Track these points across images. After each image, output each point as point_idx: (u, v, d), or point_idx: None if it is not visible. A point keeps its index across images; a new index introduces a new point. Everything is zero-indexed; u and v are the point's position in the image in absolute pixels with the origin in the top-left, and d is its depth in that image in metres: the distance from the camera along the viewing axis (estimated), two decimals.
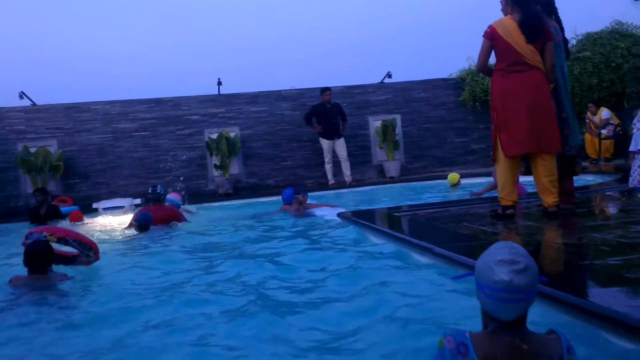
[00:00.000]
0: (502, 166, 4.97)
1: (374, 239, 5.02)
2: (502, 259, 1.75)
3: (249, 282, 3.79)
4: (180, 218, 7.47)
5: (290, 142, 13.20)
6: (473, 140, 13.85)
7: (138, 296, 3.57)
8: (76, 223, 8.54)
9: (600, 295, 2.45)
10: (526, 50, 4.80)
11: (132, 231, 6.86)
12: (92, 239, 4.53)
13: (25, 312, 3.25)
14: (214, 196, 12.04)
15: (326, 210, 7.61)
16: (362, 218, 5.81)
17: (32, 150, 11.62)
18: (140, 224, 6.55)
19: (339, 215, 6.46)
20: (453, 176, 10.21)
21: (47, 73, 15.51)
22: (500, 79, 4.97)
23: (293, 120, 13.21)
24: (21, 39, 16.85)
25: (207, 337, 2.62)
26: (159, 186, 7.62)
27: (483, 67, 5.14)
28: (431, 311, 2.76)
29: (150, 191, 7.50)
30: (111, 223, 8.59)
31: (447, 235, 4.41)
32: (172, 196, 8.15)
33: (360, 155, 13.27)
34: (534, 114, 4.77)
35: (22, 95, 12.16)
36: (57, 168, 11.62)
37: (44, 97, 12.43)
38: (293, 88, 13.52)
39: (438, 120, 13.86)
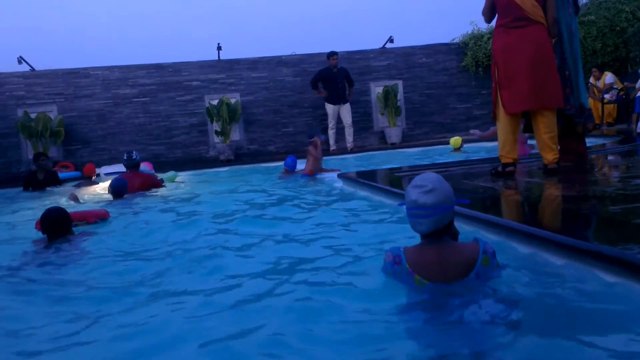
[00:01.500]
0: (502, 123, 4.95)
1: (374, 197, 5.04)
2: (415, 184, 2.22)
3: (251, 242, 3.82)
4: (159, 184, 7.48)
5: (292, 108, 13.13)
6: (475, 106, 13.75)
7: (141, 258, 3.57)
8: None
9: (597, 238, 2.48)
10: (528, 4, 4.74)
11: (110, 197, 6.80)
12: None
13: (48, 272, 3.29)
14: (215, 162, 12.02)
15: (330, 174, 7.57)
16: (364, 178, 5.82)
17: (33, 116, 11.58)
18: (115, 190, 6.34)
19: (339, 176, 6.48)
20: (455, 140, 10.17)
21: (45, 38, 15.35)
22: (502, 34, 4.92)
23: (294, 87, 13.11)
24: (18, 4, 16.64)
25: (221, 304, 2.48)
26: (134, 152, 7.48)
27: (490, 20, 5.13)
28: None
29: (125, 157, 7.34)
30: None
31: None
32: (143, 166, 8.13)
33: (361, 121, 13.21)
34: (535, 69, 4.72)
35: (20, 60, 12.06)
36: (57, 134, 11.60)
37: (43, 62, 12.36)
38: (294, 54, 13.37)
39: (440, 85, 13.74)
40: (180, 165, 11.76)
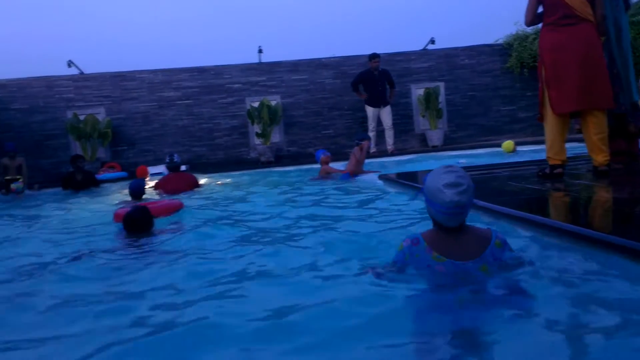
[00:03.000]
0: (550, 124, 4.80)
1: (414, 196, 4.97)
2: (449, 182, 2.20)
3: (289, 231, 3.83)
4: (199, 185, 7.85)
5: (332, 111, 13.14)
6: (520, 109, 13.42)
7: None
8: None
9: None
10: (576, 1, 4.58)
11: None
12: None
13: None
14: (256, 164, 12.16)
15: (369, 175, 7.58)
16: (404, 179, 5.75)
17: (81, 117, 11.99)
18: (133, 192, 6.35)
19: (380, 177, 6.43)
20: (508, 143, 9.88)
21: (93, 42, 15.89)
22: (550, 33, 4.77)
23: (334, 89, 13.11)
24: (68, 10, 17.28)
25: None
26: (175, 155, 7.83)
27: (531, 23, 4.95)
28: None
29: (167, 160, 7.68)
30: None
31: (491, 191, 4.32)
32: (159, 169, 8.33)
33: (402, 124, 13.08)
34: (585, 68, 4.56)
35: (70, 63, 12.50)
36: (105, 135, 11.97)
37: (91, 66, 12.77)
38: (334, 56, 13.38)
39: (483, 87, 13.48)
40: (222, 166, 11.96)
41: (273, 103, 12.63)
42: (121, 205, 5.32)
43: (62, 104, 12.40)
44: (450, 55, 13.51)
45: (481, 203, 3.57)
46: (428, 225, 2.59)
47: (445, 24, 16.24)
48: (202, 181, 8.96)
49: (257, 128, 12.52)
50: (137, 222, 3.93)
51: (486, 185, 4.77)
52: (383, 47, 13.15)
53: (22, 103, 12.24)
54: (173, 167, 7.73)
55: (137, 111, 12.67)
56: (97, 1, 17.13)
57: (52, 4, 16.47)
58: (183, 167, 10.47)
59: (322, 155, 8.17)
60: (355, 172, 7.62)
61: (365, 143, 7.75)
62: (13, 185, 9.25)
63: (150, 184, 7.97)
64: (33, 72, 12.43)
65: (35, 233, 4.91)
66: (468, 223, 2.38)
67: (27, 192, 9.43)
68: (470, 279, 2.24)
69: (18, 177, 9.74)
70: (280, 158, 12.54)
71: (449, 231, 2.31)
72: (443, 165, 2.31)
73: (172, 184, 7.44)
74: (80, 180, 9.18)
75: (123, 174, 10.92)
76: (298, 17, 17.81)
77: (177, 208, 4.98)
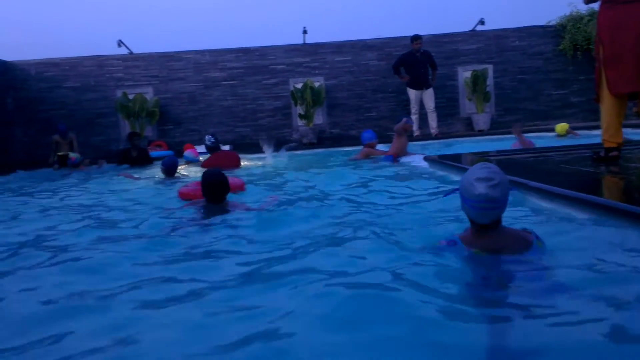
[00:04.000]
0: (606, 105, 4.59)
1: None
2: (481, 177, 2.18)
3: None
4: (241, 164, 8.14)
5: (375, 93, 13.00)
6: (572, 93, 12.92)
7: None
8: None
9: None
10: None
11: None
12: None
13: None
14: (298, 145, 12.18)
15: (413, 157, 7.50)
16: (450, 161, 5.65)
17: (130, 96, 12.29)
18: (167, 168, 6.77)
19: (426, 158, 6.33)
20: (562, 126, 9.55)
21: (143, 23, 16.18)
22: (608, 10, 4.54)
23: (378, 71, 12.95)
24: None
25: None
26: (211, 135, 8.15)
27: (589, 1, 4.74)
28: None
29: (213, 140, 7.88)
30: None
31: (543, 173, 4.18)
32: (188, 152, 8.45)
33: (447, 107, 12.82)
34: None
35: (120, 43, 12.78)
36: (153, 114, 12.24)
37: (140, 45, 13.02)
38: (379, 37, 13.19)
39: (534, 70, 13.03)
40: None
41: (316, 84, 12.59)
42: (185, 184, 5.26)
43: (112, 83, 12.73)
44: (499, 37, 13.10)
45: (533, 184, 3.46)
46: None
47: (495, 4, 15.71)
48: (248, 162, 9.10)
49: (300, 109, 12.52)
50: (216, 186, 3.88)
51: (538, 167, 4.63)
52: (429, 28, 12.90)
53: (74, 81, 12.64)
54: (212, 148, 7.92)
55: (184, 91, 12.87)
56: None
57: None
58: (227, 147, 10.64)
59: (371, 137, 8.15)
60: (398, 154, 7.55)
61: (408, 124, 7.65)
62: (72, 155, 9.57)
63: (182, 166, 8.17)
64: (84, 51, 12.81)
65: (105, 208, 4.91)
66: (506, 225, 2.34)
67: (93, 167, 9.73)
68: (516, 274, 2.21)
69: (70, 152, 10.09)
70: (322, 140, 12.53)
71: (486, 230, 2.27)
72: (479, 163, 2.32)
73: (218, 162, 7.64)
74: (135, 157, 9.47)
75: (170, 152, 11.16)
76: None
77: (240, 188, 4.86)
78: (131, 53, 12.95)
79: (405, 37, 12.47)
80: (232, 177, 4.85)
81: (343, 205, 4.27)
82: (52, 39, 16.30)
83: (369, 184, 5.48)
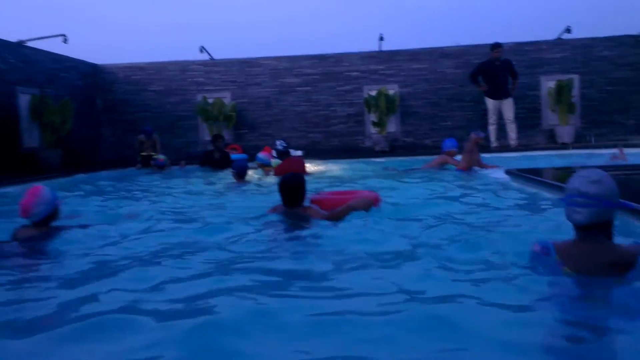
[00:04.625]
0: None
1: (549, 195, 4.63)
2: (580, 173, 2.15)
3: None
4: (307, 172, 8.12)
5: (451, 102, 12.70)
6: None
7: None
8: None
9: None
10: None
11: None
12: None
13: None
14: (370, 153, 12.11)
15: (490, 170, 7.28)
16: (535, 175, 5.39)
17: (210, 101, 12.71)
18: (239, 171, 6.90)
19: (508, 172, 6.08)
20: None
21: (223, 29, 16.72)
22: None
23: (455, 79, 12.65)
24: (200, 2, 18.39)
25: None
26: (281, 141, 8.15)
27: None
28: None
29: (285, 145, 7.94)
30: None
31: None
32: (262, 155, 8.51)
33: (527, 118, 12.31)
34: None
35: (202, 49, 13.24)
36: (230, 118, 12.60)
37: (221, 52, 13.43)
38: (457, 45, 12.89)
39: (624, 82, 12.25)
40: (337, 153, 12.07)
41: (391, 92, 12.48)
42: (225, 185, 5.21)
43: (193, 88, 13.22)
44: (586, 46, 12.44)
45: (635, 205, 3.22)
46: (558, 225, 2.41)
47: (582, 13, 14.95)
48: (315, 168, 9.15)
49: (373, 117, 12.46)
50: (292, 189, 3.87)
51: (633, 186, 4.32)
52: (512, 36, 12.45)
53: (158, 85, 13.25)
54: (282, 153, 8.03)
55: (260, 96, 13.15)
56: None
57: None
58: (298, 153, 10.75)
59: (452, 146, 7.99)
60: (468, 167, 7.37)
61: (479, 136, 7.47)
62: (161, 156, 9.99)
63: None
64: (168, 56, 13.39)
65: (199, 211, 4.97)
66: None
67: (174, 167, 10.14)
68: (609, 298, 2.08)
69: (152, 153, 10.56)
70: (395, 148, 12.39)
71: (583, 239, 2.15)
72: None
73: (290, 167, 7.76)
74: (218, 159, 9.74)
75: (244, 156, 11.42)
76: (421, 4, 17.37)
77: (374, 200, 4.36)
78: (212, 59, 13.39)
79: (485, 45, 12.11)
80: (368, 190, 4.71)
81: (422, 216, 4.17)
82: (139, 43, 17.18)
83: (448, 194, 5.34)
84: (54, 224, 3.50)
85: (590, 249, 2.14)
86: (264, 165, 8.29)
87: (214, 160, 9.80)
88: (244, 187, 6.69)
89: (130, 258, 3.06)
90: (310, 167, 9.10)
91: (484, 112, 11.85)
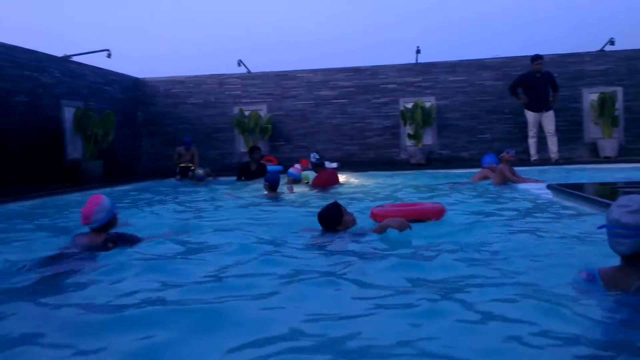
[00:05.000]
0: None
1: (593, 211, 4.47)
2: (619, 203, 2.17)
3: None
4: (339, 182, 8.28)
5: (490, 114, 12.49)
6: None
7: None
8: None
9: None
10: None
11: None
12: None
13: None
14: (405, 165, 12.01)
15: (530, 184, 7.11)
16: (578, 191, 5.22)
17: (246, 113, 12.88)
18: (271, 184, 6.97)
19: (549, 187, 5.92)
20: None
21: (260, 43, 16.97)
22: None
23: (494, 91, 12.45)
24: (239, 15, 18.71)
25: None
26: (320, 152, 8.30)
27: None
28: None
29: (318, 157, 8.09)
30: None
31: None
32: (293, 170, 8.51)
33: (569, 131, 11.99)
34: None
35: (239, 63, 13.45)
36: (266, 130, 12.72)
37: (257, 65, 13.62)
38: (496, 57, 12.69)
39: None
40: (372, 166, 12.01)
41: (427, 104, 12.38)
42: (378, 204, 4.82)
43: (230, 100, 13.43)
44: (631, 58, 12.06)
45: None
46: (603, 241, 2.33)
47: (626, 24, 14.53)
48: (351, 180, 9.15)
49: (409, 129, 12.36)
50: (327, 217, 3.98)
51: None
52: (553, 48, 12.20)
53: (197, 98, 13.51)
54: (317, 165, 8.07)
55: (295, 109, 13.24)
56: (266, 4, 18.31)
57: (227, 9, 17.97)
58: (334, 164, 10.76)
59: (491, 162, 7.92)
60: (502, 183, 7.28)
61: (506, 155, 7.44)
62: (200, 171, 10.14)
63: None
64: (207, 70, 13.66)
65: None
66: None
67: (208, 179, 10.28)
68: None
69: (190, 165, 10.73)
70: (431, 161, 12.25)
71: (629, 266, 2.18)
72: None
73: (326, 180, 7.87)
74: (254, 171, 9.82)
75: (279, 167, 11.48)
76: (458, 16, 17.23)
77: (440, 213, 4.31)
78: (249, 72, 13.58)
79: (525, 56, 11.89)
80: (431, 202, 4.59)
81: (462, 230, 4.09)
82: (179, 58, 17.61)
83: (487, 210, 5.21)
84: (112, 231, 3.65)
85: (635, 275, 2.15)
86: (294, 180, 8.33)
87: (250, 171, 9.89)
88: (277, 200, 6.72)
89: (180, 264, 3.14)
90: (345, 178, 9.10)
91: (524, 124, 11.60)
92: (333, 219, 3.96)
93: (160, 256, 3.40)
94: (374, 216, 4.33)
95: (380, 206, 4.60)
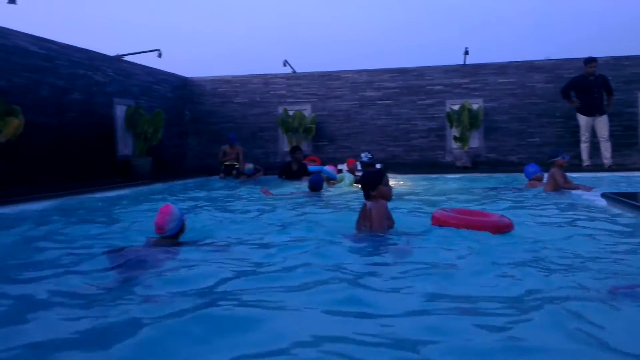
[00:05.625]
0: None
1: None
2: None
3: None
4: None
5: (540, 117, 12.13)
6: None
7: None
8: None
9: None
10: None
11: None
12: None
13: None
14: (451, 168, 11.81)
15: (582, 191, 6.82)
16: (635, 200, 4.98)
17: (290, 113, 12.96)
18: (313, 185, 7.05)
19: (604, 196, 5.68)
20: None
21: (306, 43, 17.04)
22: None
23: (545, 94, 12.08)
24: (285, 18, 18.85)
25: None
26: (371, 152, 8.35)
27: None
28: None
29: (370, 157, 7.97)
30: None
31: None
32: (329, 168, 8.41)
33: (623, 136, 11.51)
34: None
35: (285, 63, 13.55)
36: (309, 130, 12.77)
37: (302, 65, 13.70)
38: (548, 58, 12.31)
39: None
40: (416, 168, 11.88)
41: (475, 106, 12.13)
42: (441, 208, 4.57)
43: (275, 100, 13.54)
44: None
45: None
46: None
47: None
48: (395, 182, 9.06)
49: (455, 131, 12.15)
50: (366, 179, 4.13)
51: None
52: (607, 50, 11.72)
53: (243, 97, 13.69)
54: (367, 164, 8.04)
55: (339, 109, 13.23)
56: (312, 6, 18.37)
57: (274, 10, 18.13)
58: (377, 166, 10.68)
59: (536, 172, 7.65)
60: (553, 190, 6.95)
61: (560, 159, 7.05)
62: (250, 165, 10.25)
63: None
64: (253, 69, 13.83)
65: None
66: None
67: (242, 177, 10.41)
68: None
69: (235, 163, 10.88)
70: (477, 164, 12.00)
71: None
72: None
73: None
74: (296, 170, 9.90)
75: (322, 167, 11.49)
76: (508, 17, 16.81)
77: (507, 228, 4.05)
78: (294, 72, 13.66)
79: (578, 59, 11.49)
80: (499, 215, 4.30)
81: (512, 239, 3.96)
82: (227, 57, 17.89)
83: (540, 218, 5.04)
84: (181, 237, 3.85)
85: None
86: (330, 179, 8.31)
87: (291, 171, 9.95)
88: (319, 201, 6.71)
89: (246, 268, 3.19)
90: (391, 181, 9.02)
91: (576, 129, 11.22)
92: (370, 181, 4.08)
93: (217, 258, 3.49)
94: (436, 220, 4.19)
95: (443, 209, 4.42)
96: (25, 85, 8.47)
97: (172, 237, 3.73)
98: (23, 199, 6.50)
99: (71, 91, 9.56)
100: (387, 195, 4.13)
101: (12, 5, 8.09)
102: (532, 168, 7.83)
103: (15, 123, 7.36)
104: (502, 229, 3.99)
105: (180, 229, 3.78)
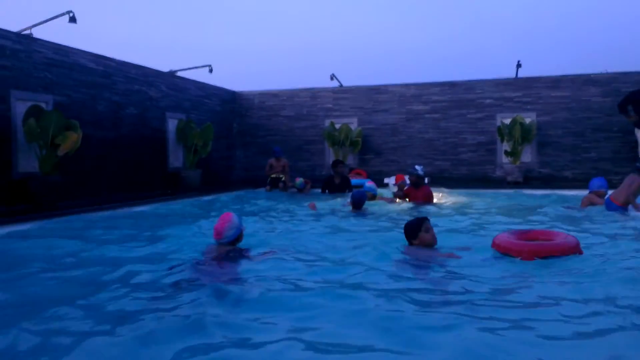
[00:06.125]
0: None
1: None
2: None
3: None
4: (432, 199, 8.15)
5: (596, 132, 11.66)
6: None
7: None
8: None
9: None
10: None
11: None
12: None
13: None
14: (501, 183, 11.50)
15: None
16: None
17: (337, 126, 12.97)
18: (355, 201, 6.92)
19: None
20: None
21: (353, 57, 17.08)
22: None
23: (602, 108, 11.62)
24: (333, 32, 18.97)
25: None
26: (417, 166, 8.17)
27: None
28: None
29: (421, 170, 8.01)
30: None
31: None
32: (370, 184, 8.29)
33: None
34: None
35: (332, 77, 13.60)
36: (355, 144, 12.74)
37: (349, 78, 13.70)
38: (605, 71, 11.84)
39: None
40: (464, 182, 11.63)
41: (527, 120, 11.79)
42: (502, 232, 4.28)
43: (321, 113, 13.60)
44: None
45: None
46: None
47: None
48: (442, 198, 8.90)
49: (506, 146, 11.84)
50: (405, 230, 4.16)
51: None
52: None
53: (289, 111, 13.82)
54: (418, 177, 8.01)
55: (386, 122, 13.14)
56: (360, 19, 18.44)
57: (322, 24, 18.30)
58: (426, 180, 10.53)
59: (601, 185, 7.31)
60: (627, 203, 6.54)
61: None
62: (301, 179, 10.31)
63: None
64: (300, 83, 13.95)
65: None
66: None
67: (293, 190, 10.44)
68: None
69: (281, 176, 10.95)
70: (529, 179, 11.64)
71: None
72: None
73: (418, 195, 7.82)
74: (338, 184, 9.87)
75: (366, 181, 11.41)
76: (563, 29, 16.33)
77: (574, 250, 3.81)
78: (341, 86, 13.69)
79: (636, 72, 11.03)
80: (565, 235, 4.08)
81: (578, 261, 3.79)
82: (275, 72, 18.16)
83: (603, 237, 4.80)
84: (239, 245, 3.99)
85: None
86: (372, 195, 8.23)
87: (334, 185, 9.91)
88: (360, 217, 6.64)
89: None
90: (440, 197, 8.88)
91: (635, 144, 10.71)
92: (410, 231, 4.08)
93: (268, 270, 3.55)
94: (497, 247, 3.93)
95: (505, 233, 4.15)
96: (83, 101, 8.83)
97: (229, 244, 3.83)
98: (91, 209, 6.86)
99: (126, 106, 9.91)
100: (430, 242, 4.05)
101: (73, 24, 8.48)
102: (597, 181, 7.44)
103: (74, 137, 7.67)
104: (569, 251, 3.74)
105: (237, 237, 3.88)
